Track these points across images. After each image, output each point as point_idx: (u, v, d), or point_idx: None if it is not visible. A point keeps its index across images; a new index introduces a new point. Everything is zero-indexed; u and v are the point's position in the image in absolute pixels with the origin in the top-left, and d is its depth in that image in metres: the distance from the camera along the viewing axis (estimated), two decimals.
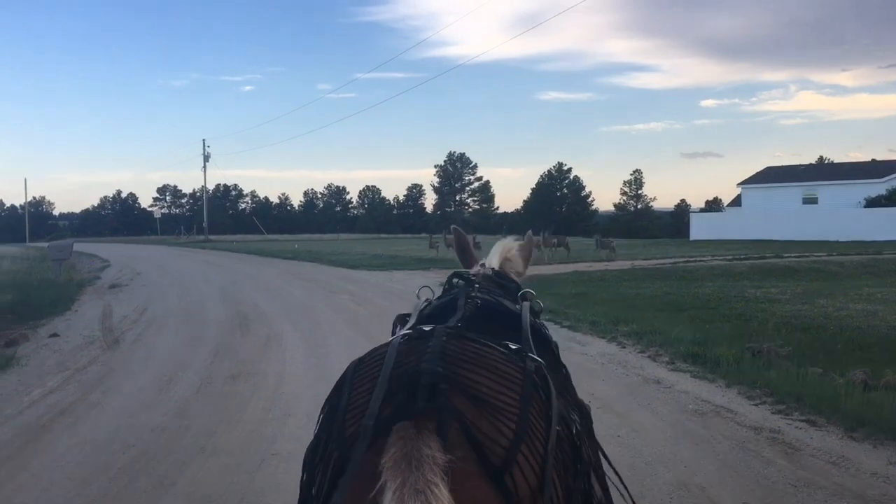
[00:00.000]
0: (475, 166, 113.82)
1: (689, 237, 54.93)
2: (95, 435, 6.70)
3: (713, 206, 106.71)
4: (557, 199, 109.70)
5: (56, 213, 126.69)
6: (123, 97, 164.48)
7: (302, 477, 1.80)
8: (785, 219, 49.86)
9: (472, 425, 1.58)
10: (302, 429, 6.46)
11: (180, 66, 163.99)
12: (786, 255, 29.83)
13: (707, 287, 18.97)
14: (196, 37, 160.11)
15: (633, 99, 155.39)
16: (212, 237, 70.10)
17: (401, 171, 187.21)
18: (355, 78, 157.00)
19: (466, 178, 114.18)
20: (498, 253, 3.17)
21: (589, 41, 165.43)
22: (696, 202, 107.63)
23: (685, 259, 28.86)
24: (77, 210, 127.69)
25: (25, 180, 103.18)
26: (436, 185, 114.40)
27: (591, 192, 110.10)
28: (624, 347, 10.76)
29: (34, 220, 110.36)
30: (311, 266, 29.77)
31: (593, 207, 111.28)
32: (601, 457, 2.19)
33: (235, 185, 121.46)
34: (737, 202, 63.11)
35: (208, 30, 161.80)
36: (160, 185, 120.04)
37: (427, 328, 1.92)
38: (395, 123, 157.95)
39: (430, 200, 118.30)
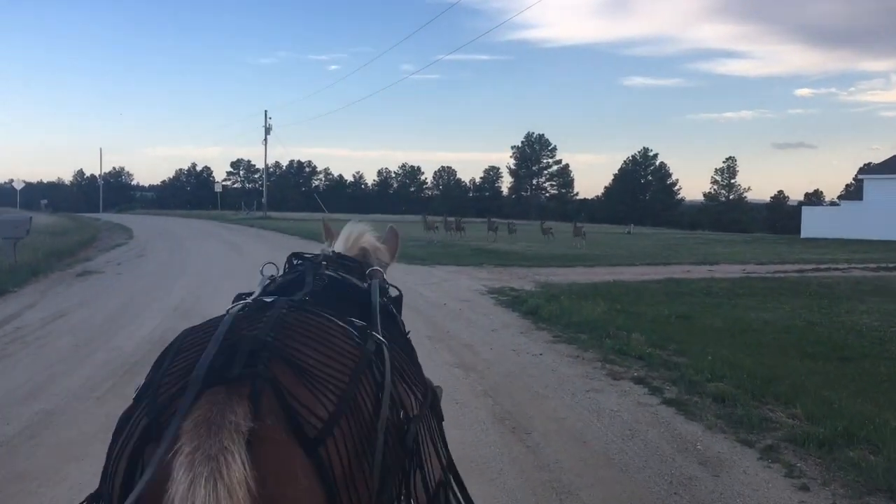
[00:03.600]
0: (554, 149, 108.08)
1: (798, 234, 47.58)
2: None
3: (813, 198, 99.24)
4: (641, 186, 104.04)
5: (134, 183, 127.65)
6: (209, 73, 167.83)
7: (111, 442, 1.68)
8: None
9: (289, 395, 1.56)
10: None
11: (268, 44, 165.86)
12: None
13: (863, 314, 13.24)
14: (285, 15, 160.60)
15: (723, 86, 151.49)
16: (272, 214, 66.59)
17: (478, 153, 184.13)
18: (438, 59, 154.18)
19: (545, 160, 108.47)
20: (344, 239, 2.91)
21: (679, 25, 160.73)
22: (792, 194, 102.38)
23: (811, 266, 22.68)
24: (156, 182, 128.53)
25: (101, 150, 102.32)
26: (512, 167, 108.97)
27: (677, 181, 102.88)
28: (808, 490, 4.94)
29: (114, 191, 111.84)
30: None
31: (679, 196, 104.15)
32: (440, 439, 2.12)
33: (309, 161, 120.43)
34: (854, 195, 55.29)
35: (297, 8, 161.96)
36: (234, 160, 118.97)
37: (269, 299, 1.91)
38: (475, 105, 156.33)
39: (506, 184, 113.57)
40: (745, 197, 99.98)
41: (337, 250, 2.80)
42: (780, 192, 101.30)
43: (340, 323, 1.87)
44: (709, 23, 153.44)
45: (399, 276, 16.77)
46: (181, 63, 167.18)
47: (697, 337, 10.66)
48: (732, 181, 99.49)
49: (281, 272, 2.51)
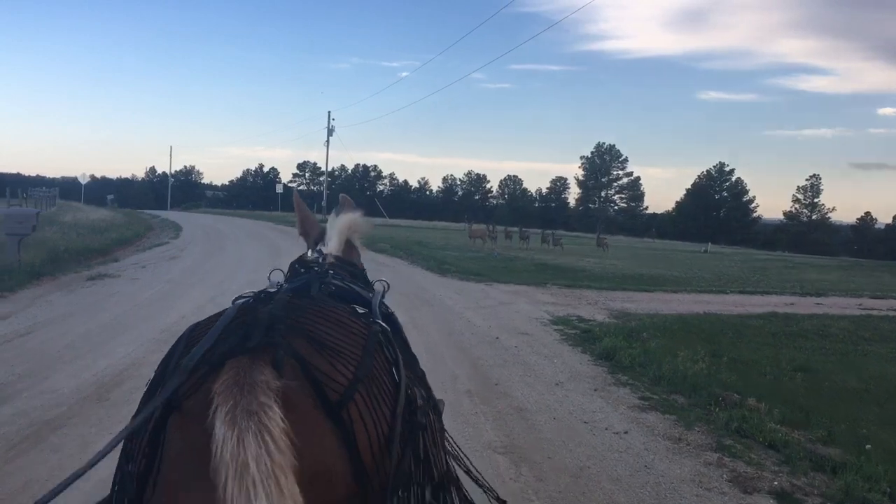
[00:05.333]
0: (625, 160, 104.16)
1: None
2: None
3: None
4: (715, 202, 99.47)
5: (204, 182, 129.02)
6: (284, 77, 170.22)
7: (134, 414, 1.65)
8: None
9: (309, 363, 1.57)
10: None
11: (342, 49, 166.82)
12: None
13: None
14: (359, 21, 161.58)
15: (802, 102, 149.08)
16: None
17: (545, 163, 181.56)
18: (510, 68, 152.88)
19: (615, 172, 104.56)
20: (338, 233, 2.82)
21: (757, 40, 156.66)
22: (878, 216, 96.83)
23: None
24: (225, 182, 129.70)
25: (171, 148, 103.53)
26: (580, 178, 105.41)
27: (754, 198, 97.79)
28: None
29: (184, 189, 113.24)
30: (392, 265, 22.78)
31: (756, 214, 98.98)
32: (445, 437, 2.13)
33: (375, 165, 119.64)
34: None
35: (371, 14, 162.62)
36: (300, 162, 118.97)
37: (272, 290, 1.96)
38: (544, 115, 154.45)
39: (573, 195, 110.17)
40: (829, 218, 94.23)
41: (332, 250, 2.73)
42: (868, 213, 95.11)
43: (345, 307, 1.94)
44: (788, 37, 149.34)
45: (449, 295, 14.11)
46: (259, 65, 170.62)
47: (830, 403, 7.94)
48: (816, 200, 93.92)
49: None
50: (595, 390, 7.73)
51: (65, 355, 8.07)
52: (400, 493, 1.68)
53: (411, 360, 2.14)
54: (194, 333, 1.75)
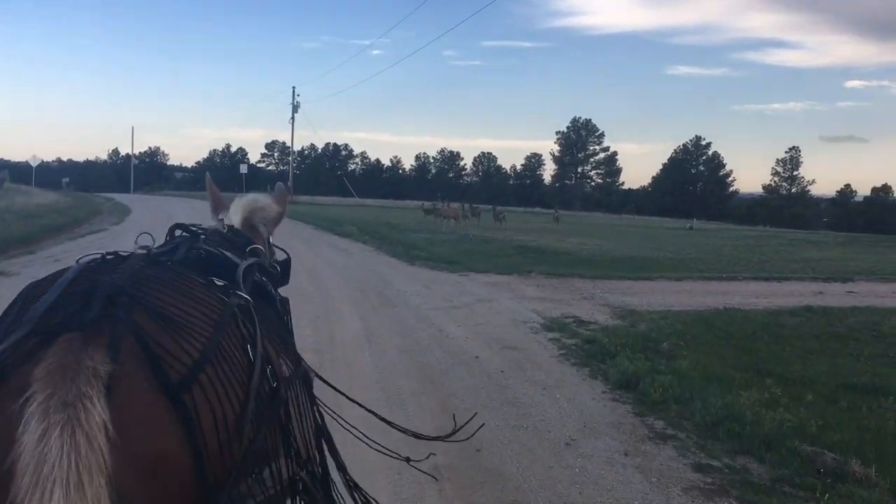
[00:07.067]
0: (601, 135, 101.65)
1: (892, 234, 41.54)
2: None
3: (881, 193, 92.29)
4: (692, 176, 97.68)
5: (170, 164, 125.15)
6: (251, 56, 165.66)
7: None
8: None
9: (151, 340, 1.45)
10: None
11: (312, 28, 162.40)
12: None
13: None
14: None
15: (772, 77, 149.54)
16: (300, 198, 61.93)
17: (520, 141, 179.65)
18: (481, 45, 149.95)
19: (591, 147, 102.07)
20: (241, 209, 2.68)
21: (726, 14, 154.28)
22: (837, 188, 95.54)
23: None
24: (190, 164, 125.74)
25: (132, 128, 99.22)
26: (556, 153, 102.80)
27: (731, 171, 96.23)
28: None
29: (149, 171, 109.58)
30: (354, 252, 20.12)
31: (733, 188, 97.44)
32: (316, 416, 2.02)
33: (346, 144, 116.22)
34: None
35: None
36: (269, 142, 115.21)
37: (125, 252, 1.79)
38: (517, 92, 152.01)
39: (549, 172, 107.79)
40: (809, 191, 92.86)
41: (234, 223, 2.61)
42: (848, 185, 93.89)
43: (199, 279, 1.75)
44: (757, 11, 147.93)
45: (417, 290, 11.34)
46: (227, 44, 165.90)
47: None
48: (795, 173, 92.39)
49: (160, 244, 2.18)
50: (626, 454, 5.18)
51: None
52: (259, 473, 1.59)
53: (282, 330, 2.09)
54: (31, 295, 1.56)
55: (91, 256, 1.70)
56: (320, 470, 1.94)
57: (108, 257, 1.71)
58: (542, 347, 8.66)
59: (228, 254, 2.14)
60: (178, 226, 2.29)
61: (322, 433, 2.03)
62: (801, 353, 9.04)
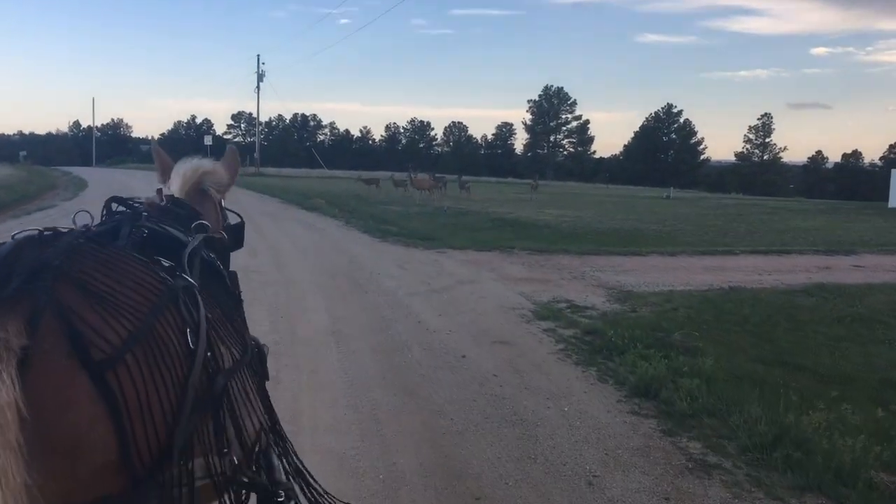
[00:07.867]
0: (574, 103, 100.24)
1: (873, 201, 40.99)
2: None
3: (852, 160, 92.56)
4: (664, 144, 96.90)
5: (135, 136, 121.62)
6: (217, 25, 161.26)
7: None
8: None
9: (74, 315, 1.39)
10: None
11: None
12: None
13: None
14: None
15: (738, 44, 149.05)
16: (266, 170, 60.00)
17: (491, 110, 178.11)
18: (450, 13, 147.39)
19: (563, 116, 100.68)
20: (181, 176, 2.53)
21: None
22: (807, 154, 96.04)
23: None
24: (155, 135, 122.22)
25: (93, 100, 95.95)
26: (528, 122, 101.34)
27: (702, 139, 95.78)
28: None
29: (112, 143, 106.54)
30: (323, 227, 18.79)
31: (704, 156, 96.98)
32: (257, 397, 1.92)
33: (314, 115, 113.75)
34: None
35: None
36: (235, 113, 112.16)
37: (64, 230, 1.70)
38: (487, 60, 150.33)
39: (520, 141, 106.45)
40: (781, 158, 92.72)
41: (174, 191, 2.47)
42: (819, 152, 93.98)
43: (143, 259, 1.69)
44: None
45: (391, 271, 10.07)
46: (193, 13, 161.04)
47: None
48: (767, 140, 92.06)
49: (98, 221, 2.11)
50: (668, 500, 4.06)
51: None
52: (190, 462, 1.51)
53: (230, 310, 2.02)
54: None
55: (27, 232, 1.61)
56: (264, 461, 1.90)
57: (46, 234, 1.61)
58: (537, 341, 7.51)
59: (173, 231, 2.04)
60: (114, 199, 2.17)
61: (268, 425, 1.96)
62: (827, 340, 8.00)
